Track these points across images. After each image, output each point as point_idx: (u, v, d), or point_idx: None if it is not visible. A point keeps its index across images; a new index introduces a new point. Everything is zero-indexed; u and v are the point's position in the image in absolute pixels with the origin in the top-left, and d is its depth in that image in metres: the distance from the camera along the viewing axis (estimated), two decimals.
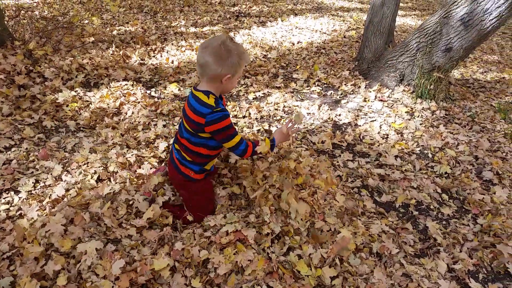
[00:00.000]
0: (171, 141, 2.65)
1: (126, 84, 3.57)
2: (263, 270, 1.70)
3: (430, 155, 2.98)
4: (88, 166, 2.39)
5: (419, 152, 3.02)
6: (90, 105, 3.22)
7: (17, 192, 2.18)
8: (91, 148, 2.63)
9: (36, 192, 2.18)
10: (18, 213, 2.02)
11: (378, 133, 3.24)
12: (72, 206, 1.95)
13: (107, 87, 3.53)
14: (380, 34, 4.33)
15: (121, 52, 4.43)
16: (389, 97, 3.84)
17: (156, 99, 3.43)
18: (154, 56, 4.59)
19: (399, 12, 7.96)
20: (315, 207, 2.03)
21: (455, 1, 3.37)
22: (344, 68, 4.63)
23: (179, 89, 3.77)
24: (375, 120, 3.43)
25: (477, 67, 5.22)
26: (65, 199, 2.09)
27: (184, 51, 4.87)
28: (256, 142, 1.98)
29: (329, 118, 3.46)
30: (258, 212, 1.97)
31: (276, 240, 1.91)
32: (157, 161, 2.46)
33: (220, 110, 1.79)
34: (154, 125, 3.04)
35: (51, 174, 2.34)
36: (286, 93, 3.89)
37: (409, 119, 3.44)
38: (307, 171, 2.31)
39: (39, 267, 1.65)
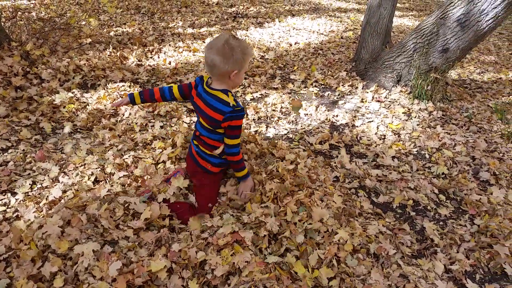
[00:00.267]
0: (169, 142, 2.65)
1: (123, 85, 3.57)
2: (260, 271, 1.70)
3: (427, 156, 2.99)
4: (85, 168, 2.39)
5: (416, 152, 3.03)
6: (87, 107, 3.21)
7: (13, 193, 2.18)
8: (88, 150, 2.63)
9: (33, 194, 2.18)
10: (15, 214, 2.01)
11: (375, 133, 3.25)
12: (69, 208, 1.94)
13: (104, 88, 3.52)
14: (377, 35, 4.34)
15: (118, 53, 4.42)
16: (386, 97, 3.85)
17: None
18: (151, 57, 4.58)
19: (396, 13, 7.98)
20: (312, 208, 2.03)
21: (452, 2, 3.38)
22: (341, 69, 4.64)
23: None
24: (372, 121, 3.44)
25: (474, 67, 5.24)
26: (62, 201, 2.08)
27: (182, 52, 4.87)
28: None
29: (326, 119, 3.47)
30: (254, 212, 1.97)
31: (273, 241, 1.91)
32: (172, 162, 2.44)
33: (240, 109, 1.93)
34: (151, 126, 3.04)
35: (48, 175, 2.33)
36: (283, 94, 3.90)
37: (406, 120, 3.44)
38: (305, 172, 2.31)
39: (35, 268, 1.64)
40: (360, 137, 3.20)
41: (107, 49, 4.55)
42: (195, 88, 2.08)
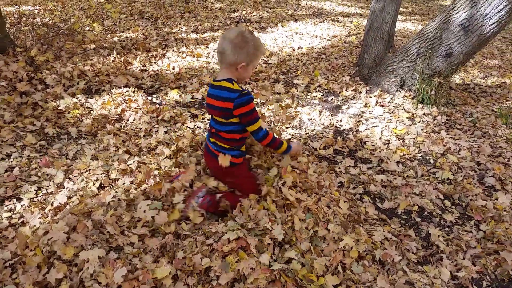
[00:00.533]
0: (173, 147, 2.65)
1: (127, 91, 3.58)
2: (265, 278, 1.69)
3: (432, 161, 2.98)
4: (90, 173, 2.40)
5: (420, 158, 3.02)
6: (92, 112, 3.22)
7: (19, 199, 2.18)
8: (93, 155, 2.63)
9: (38, 200, 2.18)
10: (20, 220, 2.02)
11: (380, 138, 3.24)
12: (75, 214, 1.95)
13: (108, 94, 3.53)
14: (380, 39, 4.34)
15: (122, 59, 4.44)
16: (390, 102, 3.85)
17: (157, 106, 3.44)
18: (155, 63, 4.60)
19: (399, 17, 7.97)
20: (319, 215, 2.02)
21: (455, 7, 3.38)
22: (344, 73, 4.64)
23: (180, 95, 3.78)
24: (376, 126, 3.44)
25: (478, 71, 5.23)
26: (67, 207, 2.09)
27: (185, 57, 4.89)
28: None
29: (330, 124, 3.47)
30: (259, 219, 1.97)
31: (279, 248, 1.90)
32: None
33: (246, 92, 1.93)
34: (155, 131, 3.04)
35: (53, 181, 2.34)
36: (287, 98, 3.90)
37: (410, 125, 3.44)
38: (314, 178, 2.31)
39: (41, 275, 1.64)
40: (364, 142, 3.20)
41: (111, 55, 4.57)
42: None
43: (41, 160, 2.51)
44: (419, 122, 3.49)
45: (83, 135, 2.95)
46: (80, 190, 2.23)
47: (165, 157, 2.56)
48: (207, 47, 5.39)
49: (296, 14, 8.12)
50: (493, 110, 3.92)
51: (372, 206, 2.41)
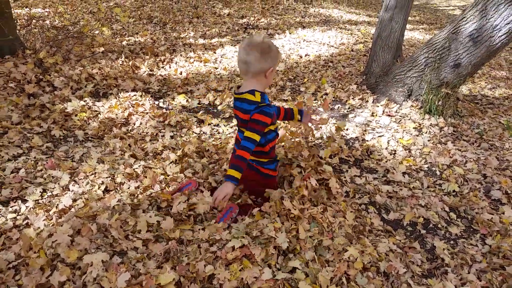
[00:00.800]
0: (179, 152, 2.66)
1: (135, 95, 3.60)
2: (268, 287, 1.68)
3: (438, 173, 2.96)
4: (95, 177, 2.40)
5: (427, 169, 3.00)
6: (99, 115, 3.24)
7: (24, 201, 2.19)
8: (99, 158, 2.64)
9: (43, 202, 2.19)
10: (24, 222, 2.02)
11: (386, 148, 3.23)
12: (79, 217, 1.95)
13: (116, 98, 3.55)
14: (389, 48, 4.34)
15: (130, 63, 4.47)
16: (397, 112, 3.83)
17: (164, 110, 3.45)
18: (163, 67, 4.63)
19: (407, 26, 7.98)
20: (324, 225, 2.01)
21: (464, 17, 3.38)
22: (351, 82, 4.63)
23: (187, 100, 3.79)
24: (382, 135, 3.42)
25: (485, 83, 5.20)
26: (72, 209, 2.09)
27: (193, 62, 4.91)
28: (281, 109, 2.37)
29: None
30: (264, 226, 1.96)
31: (283, 257, 1.89)
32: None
33: (265, 105, 1.97)
34: (162, 136, 3.05)
35: (58, 183, 2.34)
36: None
37: (417, 135, 3.42)
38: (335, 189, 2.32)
39: (44, 277, 1.64)
40: (370, 152, 3.18)
41: (119, 58, 4.60)
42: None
43: (47, 162, 2.52)
44: (426, 132, 3.48)
45: (90, 138, 2.97)
46: (85, 193, 2.24)
47: (171, 162, 2.56)
48: (214, 52, 5.42)
49: (304, 21, 8.14)
50: (500, 122, 3.89)
51: (377, 217, 2.39)
